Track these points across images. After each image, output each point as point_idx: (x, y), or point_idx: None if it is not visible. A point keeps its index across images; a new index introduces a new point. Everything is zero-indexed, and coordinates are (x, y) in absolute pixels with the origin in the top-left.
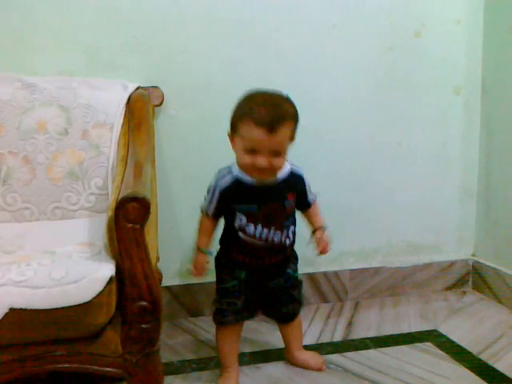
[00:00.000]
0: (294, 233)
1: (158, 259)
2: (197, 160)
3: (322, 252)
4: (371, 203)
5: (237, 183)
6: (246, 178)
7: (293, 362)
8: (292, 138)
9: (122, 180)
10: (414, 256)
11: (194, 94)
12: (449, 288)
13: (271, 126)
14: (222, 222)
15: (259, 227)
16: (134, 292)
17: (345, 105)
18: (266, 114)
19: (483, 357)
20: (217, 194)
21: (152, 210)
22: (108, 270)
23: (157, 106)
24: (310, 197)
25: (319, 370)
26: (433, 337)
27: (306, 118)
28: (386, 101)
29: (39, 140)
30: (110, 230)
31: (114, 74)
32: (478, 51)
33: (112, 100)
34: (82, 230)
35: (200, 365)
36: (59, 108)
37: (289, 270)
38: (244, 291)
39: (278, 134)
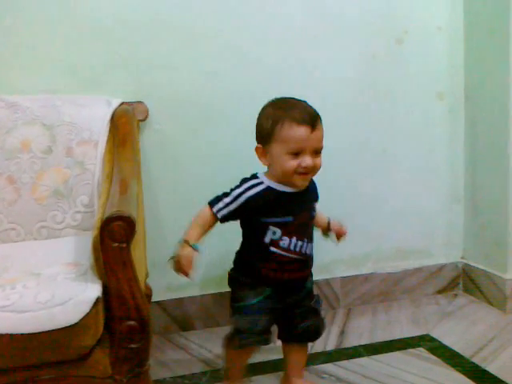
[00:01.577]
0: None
1: (147, 275)
2: (184, 174)
3: (344, 235)
4: (359, 210)
5: (269, 192)
6: (279, 187)
7: None
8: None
9: (107, 198)
10: (404, 261)
11: (178, 108)
12: (440, 292)
13: (313, 123)
14: (235, 238)
15: (293, 239)
16: (121, 312)
17: (329, 113)
18: (305, 112)
19: (475, 360)
20: (241, 200)
21: (139, 226)
22: (94, 290)
23: (141, 120)
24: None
25: None
26: (425, 342)
27: None
28: (370, 108)
29: (23, 159)
30: (95, 249)
31: (97, 91)
32: (460, 57)
33: (96, 117)
34: (68, 250)
35: (192, 380)
36: (43, 126)
37: (308, 284)
38: (269, 308)
39: (318, 130)
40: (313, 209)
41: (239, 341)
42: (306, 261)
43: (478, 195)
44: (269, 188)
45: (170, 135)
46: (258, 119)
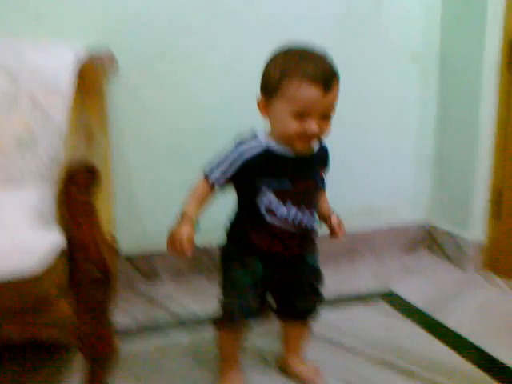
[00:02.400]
0: (315, 215)
1: (113, 228)
2: (154, 129)
3: (341, 235)
4: None
5: (267, 154)
6: (279, 148)
7: (287, 372)
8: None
9: (73, 149)
10: (370, 220)
11: (149, 60)
12: (404, 250)
13: (327, 83)
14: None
15: (292, 209)
16: (85, 262)
17: None
18: (320, 70)
19: (436, 315)
20: (238, 164)
21: (105, 179)
22: (58, 241)
23: (110, 71)
24: (325, 179)
25: None
26: (388, 297)
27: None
28: (345, 65)
29: None
30: (59, 201)
31: (64, 38)
32: (436, 18)
33: (62, 65)
34: (32, 201)
35: (158, 330)
36: (5, 73)
37: (309, 259)
38: (260, 286)
39: (332, 92)
40: (319, 177)
41: (227, 322)
42: (305, 235)
43: (446, 158)
44: (267, 151)
45: (141, 88)
46: (266, 66)
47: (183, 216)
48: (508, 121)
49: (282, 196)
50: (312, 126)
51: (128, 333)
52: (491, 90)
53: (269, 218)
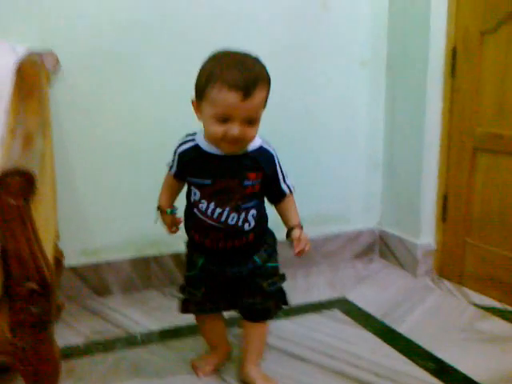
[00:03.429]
0: (256, 217)
1: (57, 237)
2: (98, 131)
3: (301, 252)
4: None
5: (195, 150)
6: (208, 147)
7: (241, 378)
8: (265, 103)
9: (7, 152)
10: (323, 227)
11: (92, 59)
12: (357, 256)
13: (247, 90)
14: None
15: (212, 205)
16: (20, 273)
17: None
18: (241, 76)
19: (387, 321)
20: (177, 156)
21: (44, 183)
22: None
23: (52, 72)
24: (283, 186)
25: None
26: (340, 304)
27: None
28: (295, 71)
29: None
30: None
31: (1, 37)
32: (384, 25)
33: (0, 65)
34: None
35: (107, 346)
36: None
37: (256, 258)
38: (204, 281)
39: (253, 98)
40: (245, 178)
41: (183, 309)
42: (229, 231)
43: (395, 163)
44: (196, 146)
45: (84, 89)
46: (199, 70)
47: (158, 209)
48: (451, 125)
49: (203, 191)
50: (232, 130)
51: (74, 350)
52: (436, 96)
53: (196, 212)
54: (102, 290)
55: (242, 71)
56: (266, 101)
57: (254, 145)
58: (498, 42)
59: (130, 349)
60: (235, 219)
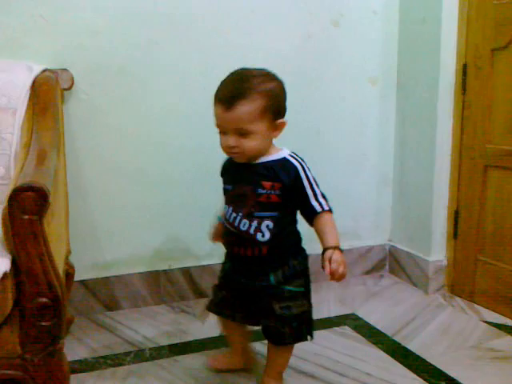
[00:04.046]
0: (273, 230)
1: (69, 252)
2: (111, 147)
3: (334, 275)
4: None
5: (229, 161)
6: None
7: None
8: (263, 116)
9: (21, 168)
10: None
11: (106, 78)
12: (367, 272)
13: (228, 102)
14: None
15: (230, 209)
16: (31, 288)
17: None
18: (226, 90)
19: (397, 338)
20: (221, 168)
21: (57, 199)
22: (2, 264)
23: (66, 89)
24: (313, 203)
25: None
26: (351, 320)
27: None
28: (305, 89)
29: None
30: (4, 222)
31: (17, 55)
32: (394, 43)
33: (15, 82)
34: None
35: (115, 361)
36: None
37: (271, 276)
38: (226, 285)
39: (235, 110)
40: (260, 185)
41: (208, 304)
42: (241, 237)
43: (406, 179)
44: (231, 158)
45: (98, 106)
46: None
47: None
48: (462, 142)
49: (227, 197)
50: (227, 140)
51: (83, 364)
52: (446, 112)
53: (224, 217)
54: (111, 305)
55: (233, 85)
56: (261, 114)
57: (276, 155)
58: (508, 59)
59: (139, 363)
60: (246, 226)
